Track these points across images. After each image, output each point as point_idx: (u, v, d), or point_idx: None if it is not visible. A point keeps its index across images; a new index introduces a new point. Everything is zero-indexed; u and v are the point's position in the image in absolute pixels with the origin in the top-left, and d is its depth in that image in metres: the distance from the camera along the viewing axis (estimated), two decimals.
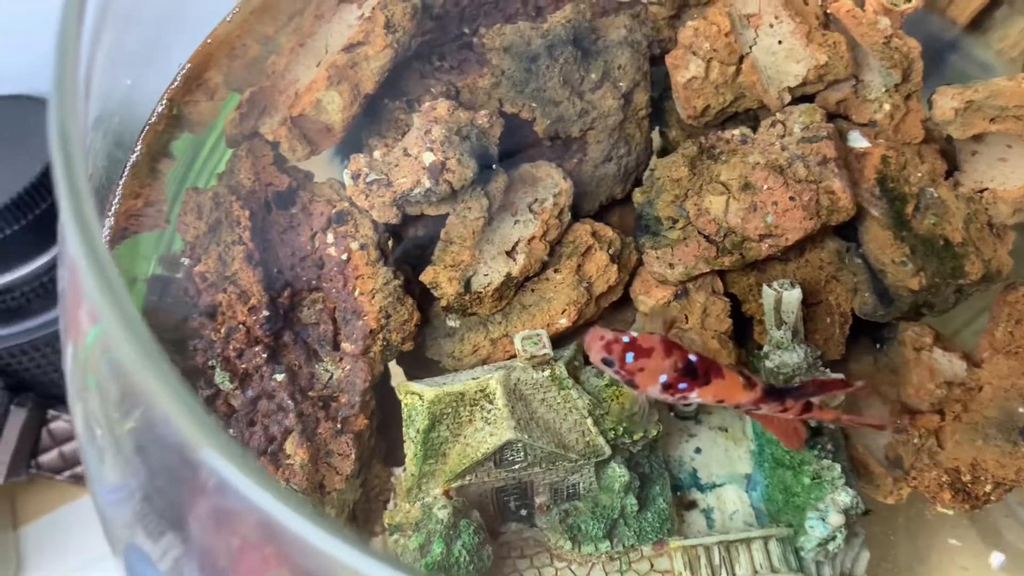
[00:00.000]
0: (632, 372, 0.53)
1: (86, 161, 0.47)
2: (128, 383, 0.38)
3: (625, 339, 0.52)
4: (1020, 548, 0.70)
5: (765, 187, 0.62)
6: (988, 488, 0.62)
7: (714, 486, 0.67)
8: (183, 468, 0.38)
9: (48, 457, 1.01)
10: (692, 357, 0.53)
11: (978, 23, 0.75)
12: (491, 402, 0.59)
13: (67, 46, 0.34)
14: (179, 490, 0.42)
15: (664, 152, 0.72)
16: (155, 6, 0.53)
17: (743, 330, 0.69)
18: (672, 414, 0.69)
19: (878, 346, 0.71)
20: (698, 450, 0.68)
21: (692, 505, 0.66)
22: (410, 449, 0.60)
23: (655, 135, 0.74)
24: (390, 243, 0.69)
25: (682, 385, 0.53)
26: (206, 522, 0.42)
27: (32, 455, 1.00)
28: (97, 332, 0.40)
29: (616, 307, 0.69)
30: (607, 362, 0.53)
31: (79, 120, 0.33)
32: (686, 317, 0.67)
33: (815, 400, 0.57)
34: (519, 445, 0.59)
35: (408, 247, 0.70)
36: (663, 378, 0.53)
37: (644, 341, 0.53)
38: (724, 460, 0.68)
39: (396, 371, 0.71)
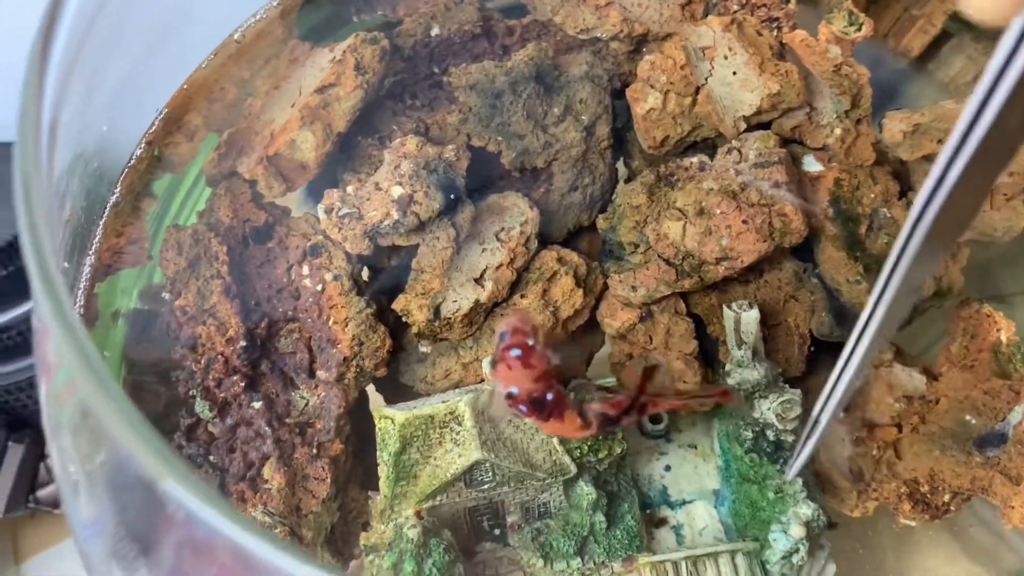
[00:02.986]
0: (501, 359, 0.53)
1: (59, 208, 0.49)
2: (94, 420, 0.40)
3: (529, 341, 0.52)
4: (989, 555, 0.71)
5: (719, 212, 0.65)
6: (947, 498, 0.64)
7: (684, 502, 0.69)
8: (151, 501, 0.40)
9: (47, 492, 1.03)
10: (549, 396, 0.53)
11: (929, 55, 0.79)
12: (460, 424, 0.62)
13: (28, 108, 0.37)
14: (150, 523, 0.43)
15: (629, 180, 0.75)
16: (124, 56, 0.56)
17: (710, 349, 0.71)
18: (641, 434, 0.71)
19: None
20: (668, 467, 0.70)
21: (663, 522, 0.68)
22: (383, 472, 0.62)
23: (620, 164, 0.77)
24: (366, 274, 0.72)
25: (522, 407, 0.54)
26: (181, 552, 0.44)
27: (31, 490, 1.03)
28: (65, 372, 0.42)
29: (584, 330, 0.71)
30: (502, 336, 0.53)
31: (42, 178, 0.36)
32: (651, 338, 0.69)
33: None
34: (487, 465, 0.61)
35: (385, 277, 0.73)
36: (513, 390, 0.53)
37: (535, 359, 0.52)
38: (693, 476, 0.70)
39: (376, 397, 0.73)
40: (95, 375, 0.34)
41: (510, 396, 0.54)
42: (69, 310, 0.35)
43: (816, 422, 0.54)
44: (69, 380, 0.41)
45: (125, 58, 0.56)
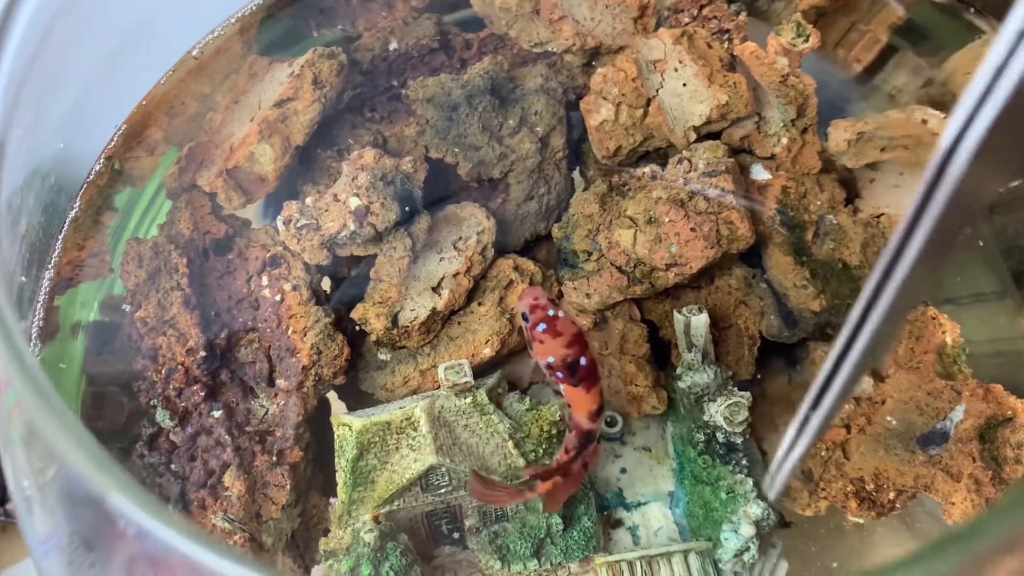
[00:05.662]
0: (534, 338, 0.57)
1: (14, 223, 0.50)
2: (42, 439, 0.41)
3: (550, 312, 0.56)
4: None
5: (667, 220, 0.67)
6: (891, 496, 0.65)
7: (639, 504, 0.70)
8: (102, 516, 0.41)
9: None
10: (583, 361, 0.56)
11: (875, 68, 0.81)
12: (416, 429, 0.63)
13: None
14: (103, 537, 0.44)
15: (585, 191, 0.77)
16: (79, 74, 0.57)
17: (663, 354, 0.73)
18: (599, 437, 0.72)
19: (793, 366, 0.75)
20: (624, 470, 0.72)
21: (618, 523, 0.70)
22: (341, 478, 0.63)
23: (576, 175, 0.78)
24: (328, 284, 0.73)
25: (559, 375, 0.57)
26: (136, 566, 0.44)
27: (1, 502, 1.03)
28: (14, 390, 0.42)
29: None
30: (524, 316, 0.57)
31: None
32: (606, 344, 0.71)
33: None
34: (443, 470, 0.62)
35: (347, 287, 0.74)
36: (550, 359, 0.56)
37: (562, 326, 0.56)
38: (648, 479, 0.71)
39: (339, 405, 0.74)
40: (40, 392, 0.35)
41: (549, 367, 0.57)
42: (14, 330, 0.36)
43: (794, 443, 0.52)
44: (18, 399, 0.41)
45: (80, 76, 0.57)
